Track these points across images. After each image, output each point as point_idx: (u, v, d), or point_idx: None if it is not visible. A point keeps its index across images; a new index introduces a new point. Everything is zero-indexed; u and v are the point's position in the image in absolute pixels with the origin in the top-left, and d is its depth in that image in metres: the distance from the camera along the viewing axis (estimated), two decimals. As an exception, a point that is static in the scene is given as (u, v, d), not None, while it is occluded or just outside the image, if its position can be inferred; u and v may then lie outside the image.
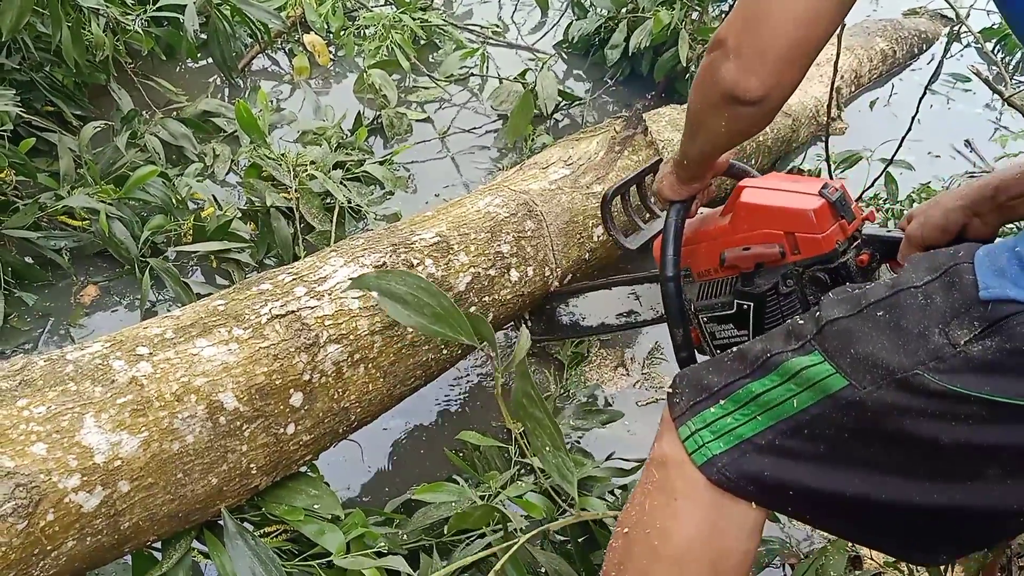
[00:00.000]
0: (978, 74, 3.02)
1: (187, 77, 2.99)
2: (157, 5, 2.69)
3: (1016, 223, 1.03)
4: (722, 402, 0.92)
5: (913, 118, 2.47)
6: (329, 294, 1.36)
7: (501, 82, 3.08)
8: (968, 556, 1.28)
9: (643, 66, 3.18)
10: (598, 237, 1.92)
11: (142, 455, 1.13)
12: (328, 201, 2.42)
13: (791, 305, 1.18)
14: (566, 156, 2.03)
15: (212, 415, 1.20)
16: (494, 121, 2.99)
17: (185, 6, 2.66)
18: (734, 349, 0.99)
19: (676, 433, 0.95)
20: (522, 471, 1.49)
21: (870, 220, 1.24)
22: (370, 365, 1.36)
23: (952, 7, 2.80)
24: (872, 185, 2.58)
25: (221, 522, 1.24)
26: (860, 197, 2.61)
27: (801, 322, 0.92)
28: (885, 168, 2.58)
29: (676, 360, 1.28)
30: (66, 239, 2.17)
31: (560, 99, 3.01)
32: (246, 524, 1.27)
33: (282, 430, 1.27)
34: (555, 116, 3.07)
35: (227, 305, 1.30)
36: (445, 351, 1.50)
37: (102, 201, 2.17)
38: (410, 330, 1.41)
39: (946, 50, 3.70)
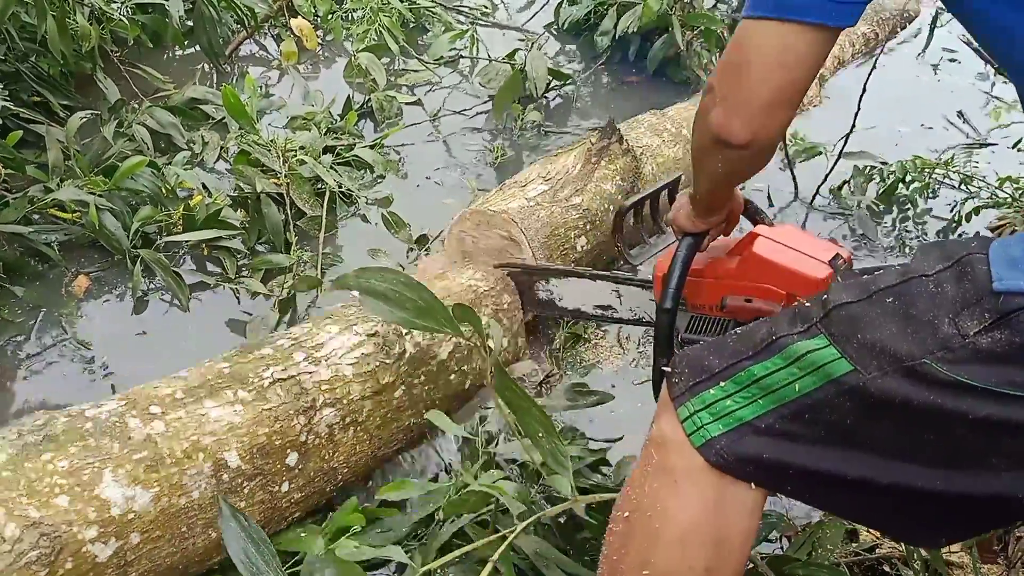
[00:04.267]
0: (969, 43, 3.09)
1: (175, 65, 2.98)
2: (142, -8, 2.66)
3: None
4: (722, 384, 0.92)
5: (857, 110, 2.55)
6: (326, 360, 1.46)
7: (491, 63, 3.10)
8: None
9: (631, 51, 3.25)
10: (582, 247, 2.00)
11: (153, 509, 1.23)
12: (319, 186, 2.46)
13: None
14: (544, 172, 2.11)
15: (217, 472, 1.30)
16: (484, 102, 3.01)
17: None
18: (737, 330, 0.98)
19: (675, 414, 0.94)
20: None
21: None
22: (359, 428, 1.48)
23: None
24: (826, 179, 2.63)
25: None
26: (818, 191, 2.67)
27: (808, 304, 0.92)
28: (832, 166, 2.62)
29: (652, 386, 1.25)
30: (57, 232, 2.20)
31: (551, 78, 3.04)
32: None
33: (277, 488, 1.37)
34: (547, 96, 3.10)
35: (232, 368, 1.40)
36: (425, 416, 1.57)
37: (92, 192, 2.20)
38: (396, 395, 1.55)
39: (933, 24, 3.78)
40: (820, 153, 2.69)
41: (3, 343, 1.95)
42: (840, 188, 2.70)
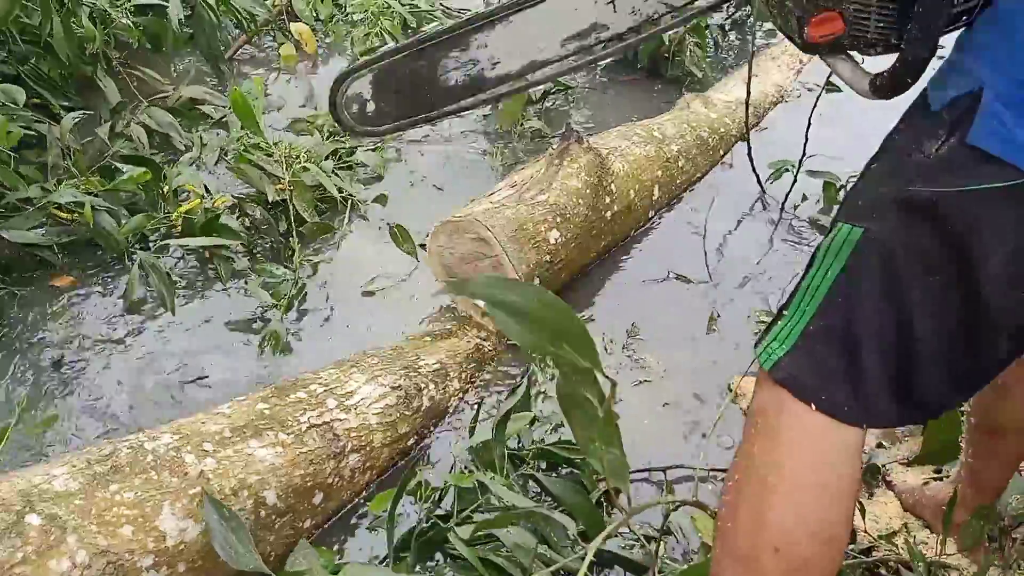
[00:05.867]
0: None
1: (175, 68, 2.98)
2: (142, -5, 2.65)
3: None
4: (786, 313, 0.96)
5: (806, 140, 2.60)
6: (355, 408, 1.59)
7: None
8: (966, 524, 1.38)
9: (627, 52, 3.43)
10: (556, 240, 2.06)
11: (199, 541, 1.32)
12: (320, 192, 2.50)
13: None
14: (511, 181, 2.21)
15: (256, 509, 1.39)
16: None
17: None
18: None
19: (768, 376, 0.95)
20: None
21: None
22: (374, 472, 1.63)
23: None
24: (790, 191, 2.66)
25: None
26: (783, 205, 2.69)
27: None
28: (794, 180, 2.65)
29: (903, 67, 0.94)
30: (59, 233, 2.23)
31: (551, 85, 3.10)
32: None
33: (301, 524, 1.48)
34: (545, 102, 3.19)
35: (272, 410, 1.49)
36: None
37: (89, 192, 2.25)
38: (408, 444, 1.74)
39: None
40: (788, 171, 2.71)
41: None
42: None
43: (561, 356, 0.97)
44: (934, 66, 0.92)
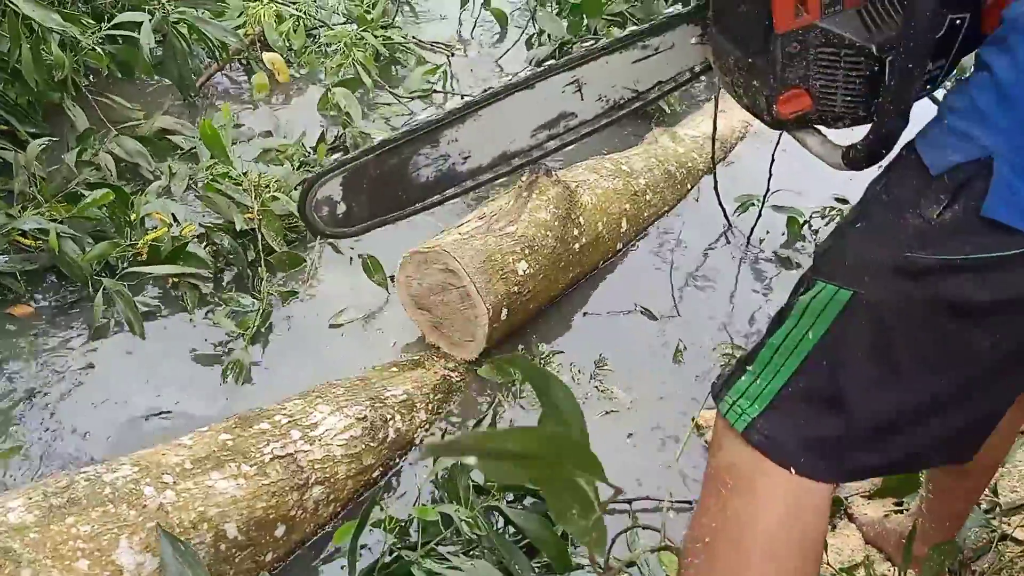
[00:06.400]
0: None
1: (145, 96, 2.97)
2: (112, 23, 2.67)
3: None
4: (750, 368, 0.93)
5: (769, 176, 2.63)
6: (319, 439, 1.58)
7: (463, 98, 3.24)
8: (927, 558, 1.38)
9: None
10: (524, 271, 2.07)
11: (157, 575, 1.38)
12: (289, 222, 2.48)
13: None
14: (480, 213, 2.23)
15: (216, 542, 1.37)
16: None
17: (141, 23, 2.66)
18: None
19: (725, 420, 0.93)
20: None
21: None
22: (338, 505, 1.62)
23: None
24: (755, 225, 2.69)
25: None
26: (749, 239, 2.72)
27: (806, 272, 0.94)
28: (759, 215, 2.67)
29: (877, 139, 0.97)
30: (21, 260, 2.20)
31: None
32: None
33: (262, 557, 1.46)
34: None
35: (234, 441, 1.47)
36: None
37: (54, 219, 2.22)
38: (374, 476, 1.73)
39: None
40: (753, 204, 2.73)
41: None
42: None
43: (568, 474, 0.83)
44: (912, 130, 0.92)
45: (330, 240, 2.45)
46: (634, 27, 1.27)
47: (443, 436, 1.79)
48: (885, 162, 0.94)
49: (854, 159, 1.00)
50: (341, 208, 1.29)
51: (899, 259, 0.84)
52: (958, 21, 0.91)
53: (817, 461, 0.89)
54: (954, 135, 0.84)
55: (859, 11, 0.97)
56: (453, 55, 3.61)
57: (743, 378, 0.94)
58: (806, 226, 2.77)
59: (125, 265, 2.30)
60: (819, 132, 1.08)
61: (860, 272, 0.87)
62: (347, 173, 1.27)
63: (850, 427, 0.88)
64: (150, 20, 2.68)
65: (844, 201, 2.90)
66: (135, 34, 2.68)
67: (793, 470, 0.89)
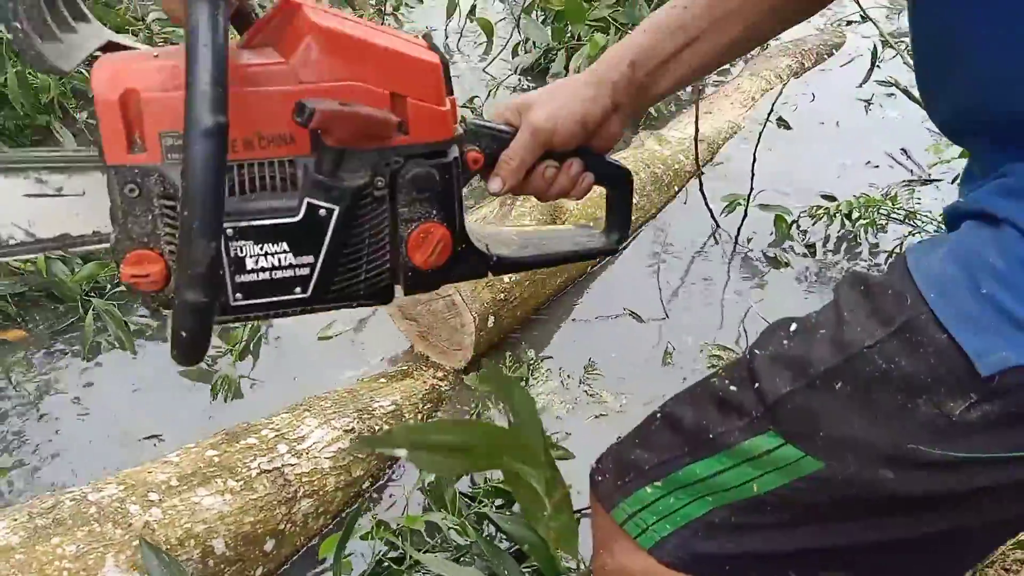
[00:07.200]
0: (896, 84, 3.15)
1: None
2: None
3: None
4: (658, 483, 0.82)
5: (752, 176, 2.64)
6: (307, 452, 1.58)
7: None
8: None
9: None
10: (509, 279, 2.06)
11: None
12: None
13: (380, 219, 0.79)
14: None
15: (204, 558, 1.37)
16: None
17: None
18: (658, 414, 0.85)
19: (610, 516, 0.86)
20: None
21: None
22: (328, 516, 1.62)
23: (876, 25, 3.09)
24: (741, 225, 2.67)
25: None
26: (736, 239, 2.70)
27: (732, 387, 0.79)
28: (744, 215, 2.66)
29: (180, 320, 0.68)
30: (12, 284, 2.22)
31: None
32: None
33: (252, 572, 1.47)
34: None
35: (221, 457, 1.48)
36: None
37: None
38: (364, 486, 1.73)
39: (873, 59, 4.00)
40: (740, 204, 2.72)
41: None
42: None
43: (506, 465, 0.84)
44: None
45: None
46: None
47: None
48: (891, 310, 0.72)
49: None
50: None
51: (899, 449, 0.70)
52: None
53: (733, 573, 0.82)
54: (1008, 320, 0.65)
55: None
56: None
57: (648, 489, 0.83)
58: (794, 225, 2.77)
59: (115, 285, 2.31)
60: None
61: (840, 448, 0.72)
62: None
63: (771, 555, 0.80)
64: (141, 42, 2.69)
65: (831, 198, 2.90)
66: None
67: None
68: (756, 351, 0.78)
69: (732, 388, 0.78)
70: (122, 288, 2.27)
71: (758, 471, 0.76)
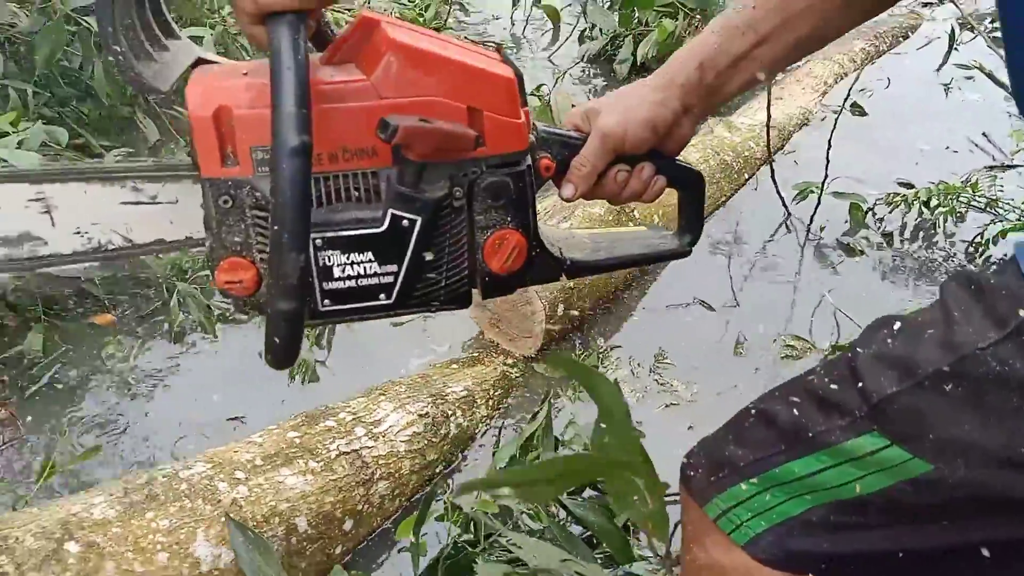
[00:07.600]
0: (981, 68, 3.06)
1: None
2: (178, 36, 2.82)
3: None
4: (753, 480, 0.81)
5: (827, 162, 2.59)
6: (383, 436, 1.63)
7: None
8: None
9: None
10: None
11: (233, 567, 1.36)
12: None
13: (459, 228, 0.83)
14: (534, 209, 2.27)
15: (288, 536, 1.43)
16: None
17: (203, 38, 2.75)
18: (752, 410, 0.85)
19: (703, 512, 0.86)
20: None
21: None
22: (403, 498, 1.67)
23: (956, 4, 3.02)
24: (814, 214, 2.64)
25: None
26: (809, 227, 2.69)
27: (833, 386, 0.77)
28: (818, 202, 2.62)
29: (274, 328, 0.72)
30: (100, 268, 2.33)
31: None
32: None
33: (333, 550, 1.52)
34: None
35: (302, 439, 1.53)
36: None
37: (129, 226, 2.35)
38: (437, 471, 1.77)
39: (951, 41, 3.85)
40: (812, 191, 2.67)
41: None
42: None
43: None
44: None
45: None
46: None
47: (499, 432, 1.81)
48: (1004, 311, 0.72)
49: None
50: None
51: (1013, 451, 0.69)
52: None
53: (829, 572, 0.81)
54: None
55: None
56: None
57: (743, 486, 0.83)
58: (869, 213, 2.70)
59: (197, 268, 2.39)
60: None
61: (950, 450, 0.71)
62: None
63: (872, 555, 0.80)
64: (211, 34, 2.78)
65: (908, 185, 2.82)
66: (199, 45, 2.79)
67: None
68: (859, 349, 0.77)
69: (832, 386, 0.78)
70: (205, 272, 2.36)
71: (861, 471, 0.75)
